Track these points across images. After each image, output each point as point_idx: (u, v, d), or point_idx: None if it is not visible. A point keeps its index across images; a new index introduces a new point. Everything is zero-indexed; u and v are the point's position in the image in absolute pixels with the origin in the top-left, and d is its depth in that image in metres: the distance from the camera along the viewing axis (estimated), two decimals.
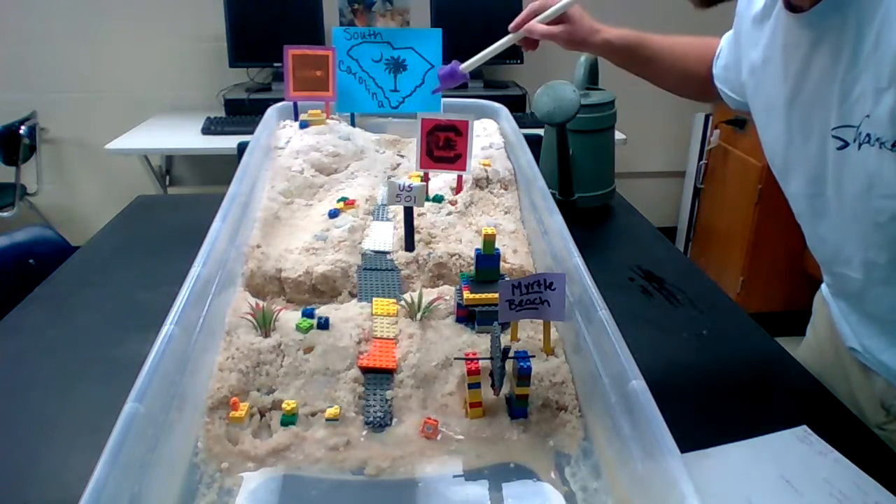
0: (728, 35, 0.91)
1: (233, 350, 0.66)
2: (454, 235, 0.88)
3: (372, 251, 0.86)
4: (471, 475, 0.58)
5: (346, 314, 0.73)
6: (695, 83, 0.99)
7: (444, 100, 1.17)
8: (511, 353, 0.62)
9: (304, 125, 1.13)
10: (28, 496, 0.63)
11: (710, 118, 2.85)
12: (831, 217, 0.69)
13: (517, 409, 0.63)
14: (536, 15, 0.93)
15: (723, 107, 2.90)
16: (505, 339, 0.69)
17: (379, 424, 0.62)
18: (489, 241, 0.75)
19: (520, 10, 0.94)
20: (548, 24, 0.94)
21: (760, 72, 0.75)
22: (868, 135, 0.59)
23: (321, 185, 1.01)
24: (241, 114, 2.56)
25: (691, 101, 1.04)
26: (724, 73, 0.92)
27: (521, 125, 1.18)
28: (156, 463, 0.50)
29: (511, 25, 0.95)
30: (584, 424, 0.62)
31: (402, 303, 0.75)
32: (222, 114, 2.61)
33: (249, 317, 0.70)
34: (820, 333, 0.92)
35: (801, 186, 0.72)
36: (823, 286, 0.91)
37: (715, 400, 0.79)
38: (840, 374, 0.85)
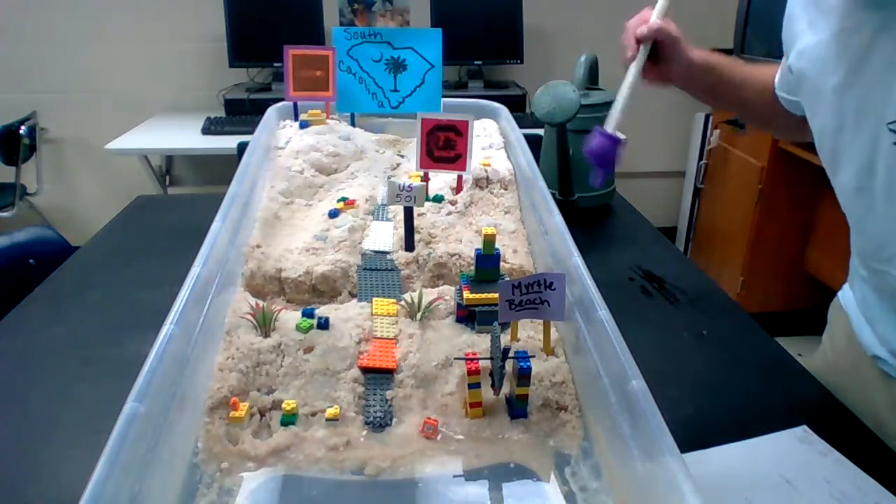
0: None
1: (233, 350, 0.66)
2: (454, 235, 0.88)
3: (372, 251, 0.86)
4: (471, 475, 0.58)
5: (346, 314, 0.73)
6: (765, 106, 0.91)
7: (444, 100, 1.17)
8: (511, 353, 0.62)
9: (304, 125, 1.13)
10: (28, 496, 0.63)
11: (710, 118, 2.85)
12: (878, 212, 0.66)
13: (517, 409, 0.63)
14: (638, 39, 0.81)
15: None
16: (505, 339, 0.69)
17: (379, 424, 0.62)
18: (489, 241, 0.75)
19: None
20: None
21: (808, 55, 0.71)
22: None
23: (321, 185, 1.01)
24: (241, 114, 2.56)
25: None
26: (784, 74, 0.85)
27: (521, 125, 1.18)
28: (156, 463, 0.50)
29: (628, 51, 0.82)
30: (584, 424, 0.62)
31: (402, 303, 0.75)
32: (222, 114, 2.61)
33: (249, 317, 0.70)
34: (838, 343, 0.89)
35: (849, 178, 0.68)
36: (840, 294, 0.89)
37: (715, 400, 0.79)
38: (858, 385, 0.82)
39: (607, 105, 1.32)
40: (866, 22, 0.61)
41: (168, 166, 2.94)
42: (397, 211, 0.92)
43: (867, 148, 0.64)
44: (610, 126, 0.75)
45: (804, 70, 0.73)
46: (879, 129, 0.61)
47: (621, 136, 0.74)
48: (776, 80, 0.88)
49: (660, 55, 0.83)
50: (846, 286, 0.88)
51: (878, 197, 0.65)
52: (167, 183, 2.93)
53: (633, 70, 0.78)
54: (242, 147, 1.25)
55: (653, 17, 0.82)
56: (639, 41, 0.81)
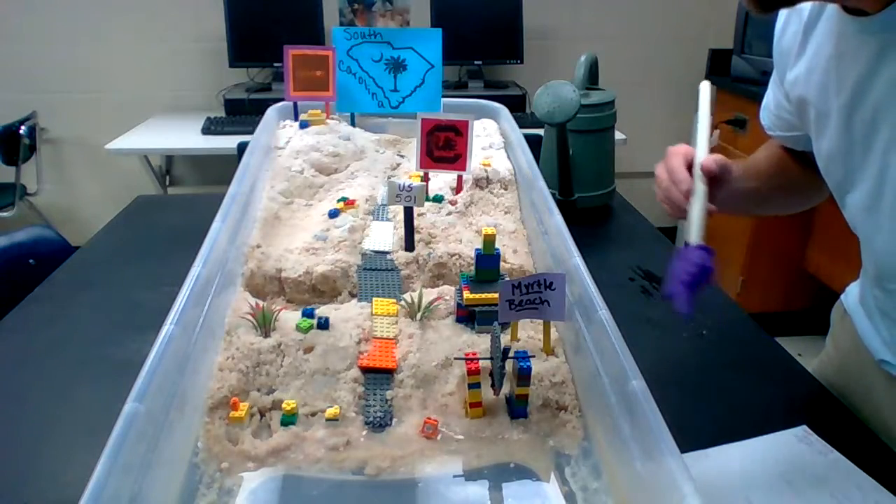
0: (769, 89, 0.87)
1: (233, 350, 0.66)
2: (454, 235, 0.88)
3: (372, 251, 0.86)
4: (471, 475, 0.58)
5: (346, 314, 0.73)
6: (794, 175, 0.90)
7: (444, 100, 1.17)
8: (511, 353, 0.62)
9: (304, 125, 1.13)
10: (28, 496, 0.63)
11: (711, 118, 2.85)
12: (886, 231, 0.66)
13: (517, 409, 0.63)
14: (689, 164, 0.73)
15: (723, 107, 2.90)
16: (505, 339, 0.69)
17: (379, 424, 0.62)
18: (489, 241, 0.75)
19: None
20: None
21: (804, 82, 0.72)
22: None
23: (321, 185, 1.01)
24: (241, 114, 2.56)
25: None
26: (776, 114, 0.85)
27: (521, 125, 1.18)
28: (156, 463, 0.50)
29: (683, 185, 0.71)
30: (584, 424, 0.62)
31: (402, 303, 0.75)
32: (222, 114, 2.61)
33: (249, 317, 0.70)
34: (842, 347, 0.88)
35: (860, 198, 0.68)
36: (844, 297, 0.88)
37: (715, 400, 0.79)
38: (864, 390, 0.82)
39: (607, 105, 1.33)
40: (866, 45, 0.62)
41: (168, 166, 2.94)
42: (397, 211, 0.92)
43: (877, 167, 0.64)
44: (694, 238, 0.65)
45: (804, 96, 0.73)
46: (889, 148, 0.62)
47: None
48: (766, 123, 0.88)
49: (709, 189, 0.71)
50: (849, 290, 0.88)
51: (886, 216, 0.65)
52: (167, 183, 2.93)
53: (701, 193, 0.69)
54: (242, 147, 1.25)
55: (703, 150, 0.73)
56: (705, 171, 0.70)
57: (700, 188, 0.70)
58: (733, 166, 0.74)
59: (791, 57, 0.75)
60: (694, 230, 0.66)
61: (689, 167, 0.73)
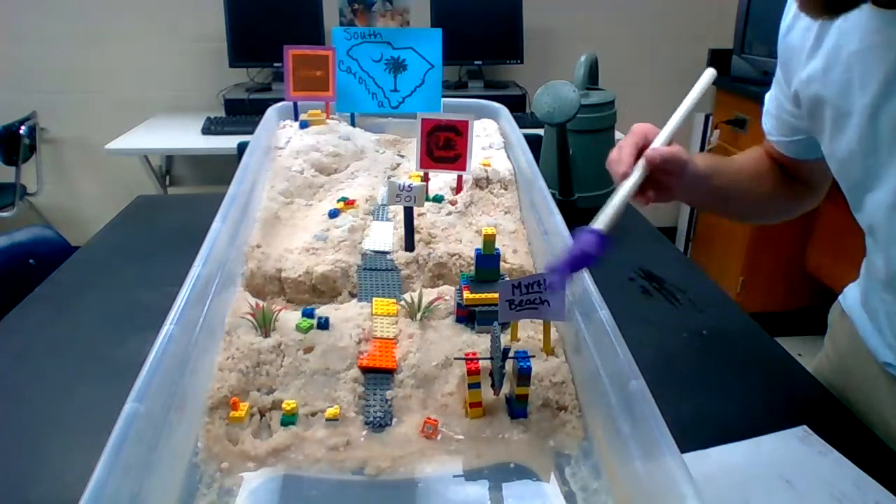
0: (771, 92, 0.84)
1: (233, 350, 0.66)
2: (454, 235, 0.88)
3: (372, 251, 0.86)
4: (471, 475, 0.58)
5: (346, 314, 0.73)
6: (775, 185, 0.88)
7: (444, 100, 1.17)
8: (511, 353, 0.62)
9: (304, 125, 1.13)
10: (28, 495, 0.63)
11: (710, 118, 2.85)
12: None
13: (517, 409, 0.63)
14: (643, 146, 0.72)
15: (723, 107, 2.89)
16: (505, 339, 0.69)
17: (379, 424, 0.62)
18: (489, 241, 0.75)
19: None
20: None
21: (821, 80, 0.69)
22: None
23: (321, 185, 1.01)
24: (241, 114, 2.56)
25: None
26: (777, 116, 0.83)
27: (521, 125, 1.18)
28: (156, 463, 0.50)
29: (621, 167, 0.71)
30: (584, 424, 0.62)
31: (402, 303, 0.75)
32: (222, 114, 2.61)
33: (249, 317, 0.70)
34: (841, 348, 0.88)
35: (884, 196, 0.65)
36: (842, 298, 0.88)
37: (715, 400, 0.79)
38: (865, 391, 0.81)
39: (607, 105, 1.33)
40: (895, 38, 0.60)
41: (168, 166, 2.94)
42: (397, 211, 0.92)
43: None
44: (597, 222, 0.64)
45: (820, 94, 0.70)
46: None
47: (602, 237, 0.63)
48: (767, 128, 0.86)
49: (660, 178, 0.72)
50: (847, 291, 0.88)
51: None
52: (167, 183, 2.93)
53: (631, 182, 0.69)
54: (242, 147, 1.25)
55: (659, 141, 0.71)
56: (647, 161, 0.69)
57: (635, 176, 0.69)
58: (692, 162, 0.73)
59: (802, 54, 0.72)
60: (601, 215, 0.65)
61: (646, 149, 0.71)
